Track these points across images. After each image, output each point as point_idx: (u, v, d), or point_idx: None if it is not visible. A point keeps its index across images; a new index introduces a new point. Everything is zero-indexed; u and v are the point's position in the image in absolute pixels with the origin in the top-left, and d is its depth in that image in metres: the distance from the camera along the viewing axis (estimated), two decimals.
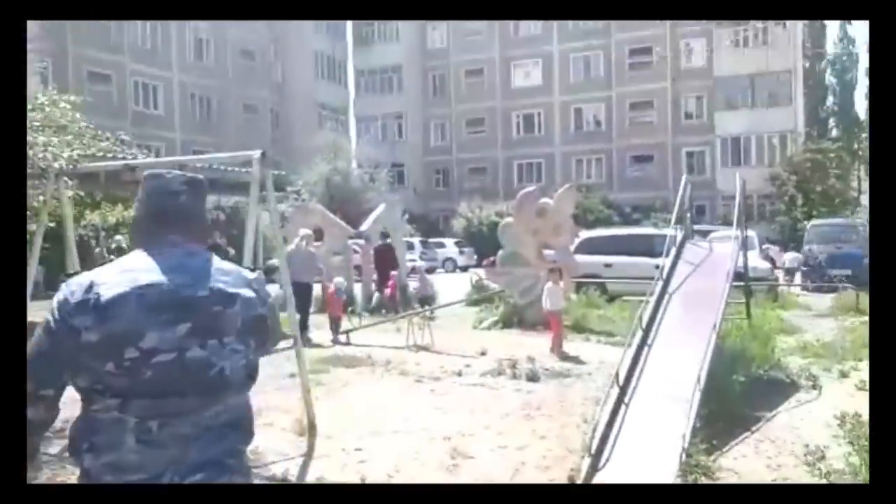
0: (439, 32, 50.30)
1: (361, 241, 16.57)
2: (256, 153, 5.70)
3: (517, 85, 47.84)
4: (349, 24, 52.29)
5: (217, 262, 2.02)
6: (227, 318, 1.93)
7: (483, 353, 9.76)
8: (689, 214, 10.00)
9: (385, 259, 16.23)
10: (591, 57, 45.91)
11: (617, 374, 6.13)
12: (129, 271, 1.88)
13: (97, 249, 19.46)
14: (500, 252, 12.48)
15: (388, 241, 16.75)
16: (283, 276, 6.77)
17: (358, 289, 16.10)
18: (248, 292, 1.99)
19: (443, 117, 49.97)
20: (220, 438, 1.91)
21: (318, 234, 16.71)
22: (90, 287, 1.83)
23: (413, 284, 15.87)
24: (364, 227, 16.31)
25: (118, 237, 19.31)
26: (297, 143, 44.88)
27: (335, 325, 11.78)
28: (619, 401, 5.85)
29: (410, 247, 27.05)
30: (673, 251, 8.79)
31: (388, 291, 15.74)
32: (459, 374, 8.45)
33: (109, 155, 11.51)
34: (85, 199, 23.80)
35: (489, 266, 12.76)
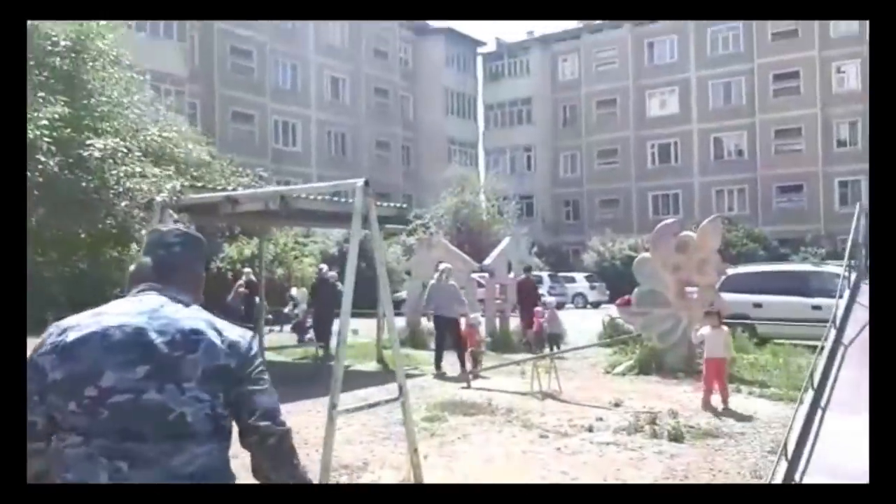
0: (570, 64, 49.57)
1: (486, 276, 15.90)
2: (359, 181, 5.17)
3: (652, 114, 46.20)
4: (479, 60, 52.62)
5: (193, 311, 2.02)
6: (186, 363, 1.90)
7: (617, 405, 8.75)
8: (864, 249, 8.60)
9: (528, 293, 15.72)
10: (731, 83, 43.65)
11: (785, 444, 5.04)
12: (100, 314, 1.95)
13: (238, 282, 19.99)
14: (637, 290, 11.42)
15: (531, 274, 16.35)
16: (388, 310, 6.19)
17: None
18: (214, 339, 1.96)
19: (573, 148, 48.96)
20: None
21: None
22: (64, 330, 1.91)
23: (541, 321, 15.07)
24: (488, 260, 15.65)
25: (246, 270, 19.61)
26: (426, 177, 45.33)
27: (473, 361, 11.46)
28: (789, 479, 4.77)
29: (539, 281, 26.14)
30: (847, 293, 7.50)
31: (533, 327, 15.21)
32: (590, 430, 7.50)
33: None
34: (224, 233, 24.75)
35: (624, 305, 11.74)
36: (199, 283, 2.20)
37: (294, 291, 21.37)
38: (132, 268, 2.13)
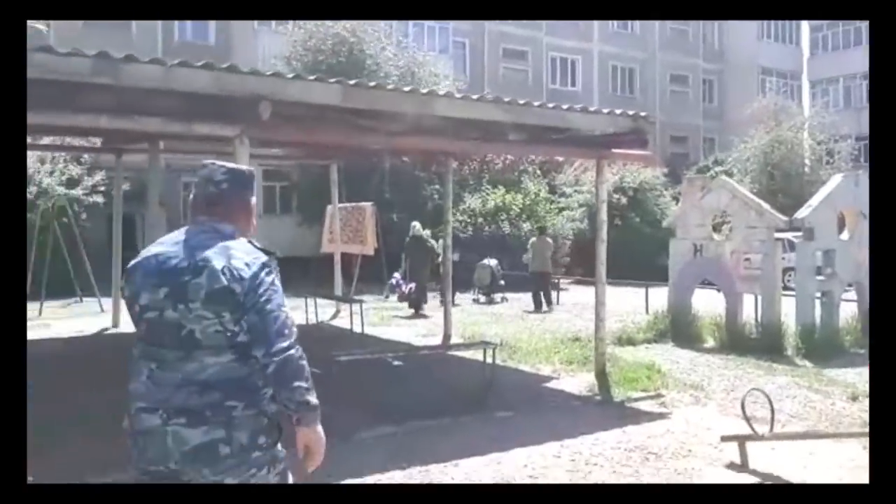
0: None
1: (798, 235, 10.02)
2: None
3: None
4: None
5: (216, 238, 2.36)
6: (192, 286, 2.27)
7: None
8: None
9: None
10: None
11: None
12: (153, 244, 2.45)
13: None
14: None
15: None
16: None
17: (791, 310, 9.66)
18: (217, 265, 2.28)
19: None
20: (200, 393, 2.25)
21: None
22: (134, 257, 2.45)
23: None
24: (804, 212, 9.71)
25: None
26: (733, 116, 37.86)
27: None
28: None
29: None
30: None
31: None
32: None
33: None
34: (467, 181, 21.10)
35: None
36: (247, 212, 2.51)
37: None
38: (190, 199, 2.49)
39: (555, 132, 7.97)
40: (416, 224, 14.49)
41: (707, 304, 10.75)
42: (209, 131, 5.54)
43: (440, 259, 12.43)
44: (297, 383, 2.25)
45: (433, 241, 14.28)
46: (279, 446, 2.35)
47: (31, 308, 13.14)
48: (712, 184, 11.09)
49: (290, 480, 2.41)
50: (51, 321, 12.23)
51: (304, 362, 2.29)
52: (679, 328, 10.27)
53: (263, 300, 2.26)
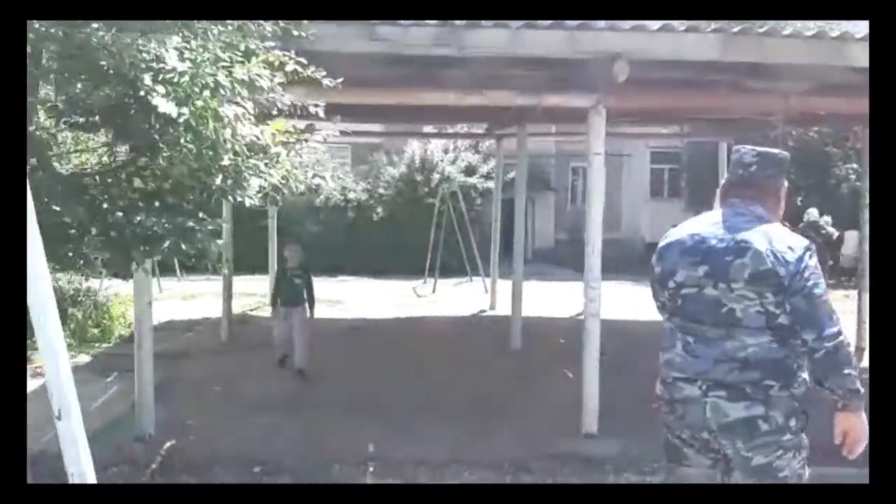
0: None
1: None
2: None
3: None
4: None
5: (755, 221, 2.48)
6: (735, 266, 2.40)
7: None
8: None
9: None
10: None
11: None
12: (686, 225, 2.63)
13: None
14: None
15: None
16: None
17: None
18: (760, 247, 2.39)
19: None
20: (741, 369, 2.41)
21: None
22: (665, 237, 2.65)
23: None
24: None
25: None
26: None
27: None
28: None
29: None
30: None
31: None
32: None
33: None
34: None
35: None
36: (776, 194, 2.59)
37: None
38: (722, 182, 2.67)
39: None
40: (814, 211, 13.96)
41: None
42: (561, 102, 5.06)
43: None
44: (847, 370, 2.35)
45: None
46: (804, 434, 2.47)
47: (429, 283, 14.31)
48: None
49: (807, 474, 2.51)
50: (439, 299, 13.07)
51: (851, 349, 2.41)
52: None
53: (811, 284, 2.34)
